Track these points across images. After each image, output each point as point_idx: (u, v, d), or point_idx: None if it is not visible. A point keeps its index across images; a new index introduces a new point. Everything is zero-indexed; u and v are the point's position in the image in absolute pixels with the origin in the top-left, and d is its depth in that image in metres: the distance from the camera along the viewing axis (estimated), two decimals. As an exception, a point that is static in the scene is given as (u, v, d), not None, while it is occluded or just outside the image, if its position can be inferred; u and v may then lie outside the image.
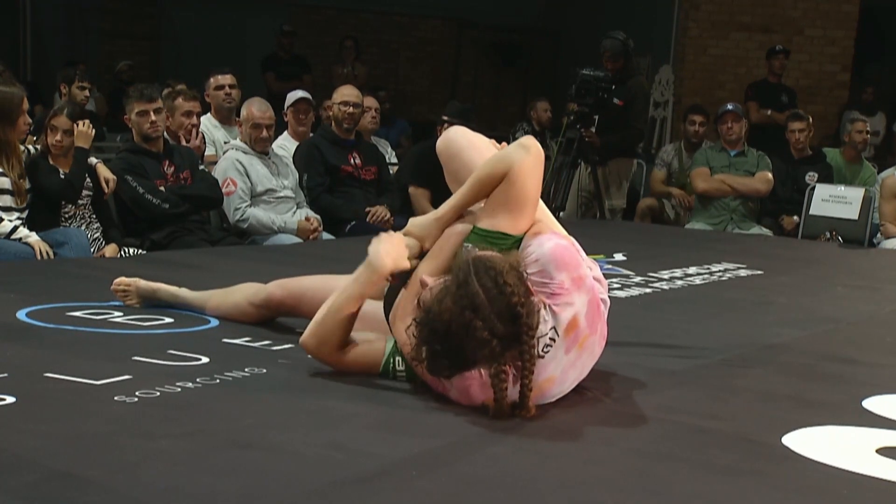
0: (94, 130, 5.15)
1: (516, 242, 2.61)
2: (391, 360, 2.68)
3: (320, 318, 2.69)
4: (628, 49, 7.43)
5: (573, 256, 2.55)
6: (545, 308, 2.45)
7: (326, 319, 2.68)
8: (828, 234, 7.23)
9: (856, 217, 7.30)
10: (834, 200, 7.40)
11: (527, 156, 2.61)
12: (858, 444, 2.39)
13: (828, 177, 7.73)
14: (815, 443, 2.36)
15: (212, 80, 6.52)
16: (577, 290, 2.50)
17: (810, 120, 7.94)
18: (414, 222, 2.79)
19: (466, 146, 2.86)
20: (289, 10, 12.53)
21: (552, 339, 2.45)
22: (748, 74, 9.99)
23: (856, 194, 7.39)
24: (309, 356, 2.76)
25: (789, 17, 10.46)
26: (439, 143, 2.94)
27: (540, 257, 2.50)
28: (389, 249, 2.68)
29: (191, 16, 12.33)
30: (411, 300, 2.54)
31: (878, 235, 7.29)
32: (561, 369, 2.50)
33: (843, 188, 7.53)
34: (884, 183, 7.33)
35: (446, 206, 2.75)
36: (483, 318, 2.29)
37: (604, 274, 2.85)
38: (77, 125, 4.98)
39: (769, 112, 8.76)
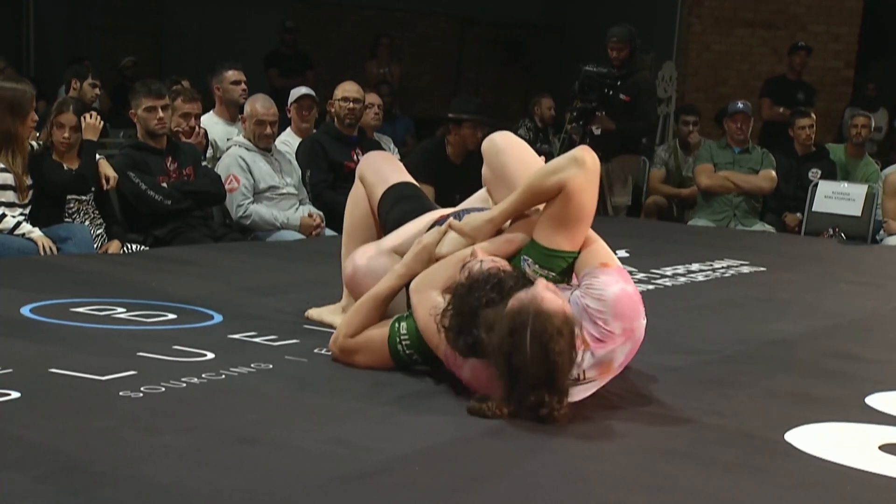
0: (101, 122, 5.16)
1: (574, 257, 2.64)
2: (396, 326, 2.69)
3: (356, 305, 2.80)
4: (635, 41, 7.41)
5: (634, 307, 2.52)
6: (585, 352, 2.43)
7: (363, 304, 2.77)
8: (831, 231, 7.22)
9: (859, 214, 7.29)
10: (837, 197, 7.40)
11: (581, 171, 2.59)
12: (861, 440, 2.40)
13: (831, 173, 7.73)
14: (818, 439, 2.36)
15: (228, 73, 6.50)
16: (624, 341, 2.49)
17: (813, 116, 7.93)
18: (468, 221, 2.80)
19: (513, 153, 2.92)
20: (291, 6, 12.52)
21: (576, 378, 2.43)
22: (751, 71, 9.98)
23: (859, 191, 7.39)
24: (323, 351, 2.77)
25: (793, 13, 10.45)
26: (487, 144, 2.99)
27: (604, 298, 2.47)
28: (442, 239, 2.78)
29: (194, 12, 12.32)
30: (443, 273, 2.56)
31: (881, 232, 7.29)
32: (573, 395, 2.50)
33: (846, 185, 7.53)
34: (887, 180, 7.32)
35: (498, 210, 2.77)
36: (522, 366, 2.29)
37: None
38: (84, 118, 4.99)
39: (781, 110, 8.74)
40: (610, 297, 2.46)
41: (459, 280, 2.46)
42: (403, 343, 2.70)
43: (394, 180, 3.22)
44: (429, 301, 2.58)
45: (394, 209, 3.13)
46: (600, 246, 2.67)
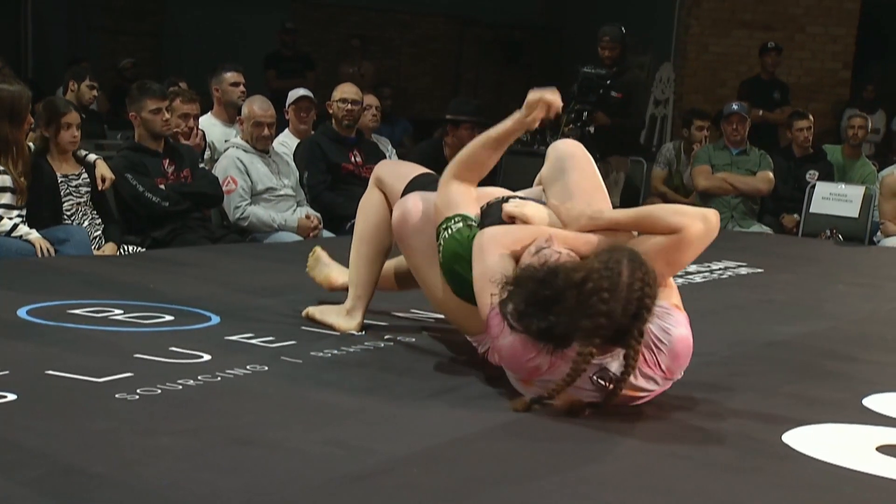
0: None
1: None
2: (455, 220, 2.77)
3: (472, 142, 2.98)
4: (626, 40, 7.45)
5: (687, 356, 2.57)
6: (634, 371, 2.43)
7: (476, 140, 2.95)
8: (828, 232, 7.23)
9: (856, 215, 7.30)
10: (834, 198, 7.40)
11: (705, 226, 2.60)
12: (859, 442, 2.40)
13: (829, 174, 7.74)
14: (816, 441, 2.36)
15: (227, 75, 6.50)
16: (664, 383, 2.54)
17: (811, 118, 7.95)
18: (568, 208, 2.80)
19: (574, 161, 2.94)
20: (291, 8, 12.52)
21: (605, 382, 2.44)
22: (750, 72, 9.97)
23: (856, 192, 7.39)
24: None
25: (791, 14, 10.45)
26: (551, 148, 3.04)
27: (671, 334, 2.50)
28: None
29: (194, 13, 12.32)
30: (516, 236, 2.62)
31: (878, 233, 7.29)
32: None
33: (843, 186, 7.54)
34: (884, 181, 7.33)
35: (606, 216, 2.75)
36: (613, 298, 2.30)
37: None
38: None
39: (760, 112, 8.77)
40: (675, 335, 2.51)
41: (532, 263, 2.46)
42: (447, 232, 2.74)
43: (414, 174, 3.23)
44: (493, 260, 2.58)
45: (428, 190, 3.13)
46: (676, 291, 2.71)
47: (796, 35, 10.18)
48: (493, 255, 2.60)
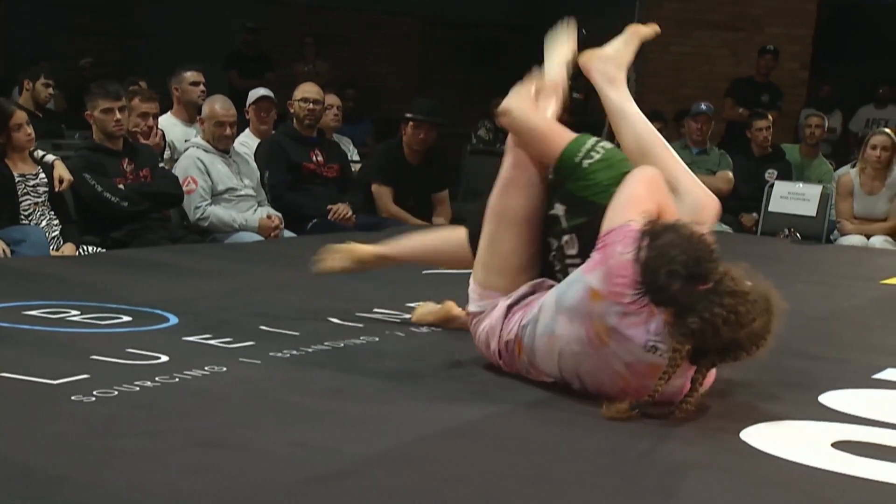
0: None
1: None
2: (591, 141, 2.84)
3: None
4: (586, 42, 7.48)
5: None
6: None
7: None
8: (786, 231, 7.30)
9: (814, 214, 7.38)
10: (792, 197, 7.48)
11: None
12: (815, 438, 2.42)
13: (787, 174, 7.82)
14: (773, 438, 2.38)
15: (187, 74, 6.46)
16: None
17: (771, 118, 8.03)
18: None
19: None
20: (254, 7, 12.44)
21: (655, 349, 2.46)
22: (711, 73, 10.06)
23: (814, 191, 7.47)
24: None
25: (752, 14, 10.54)
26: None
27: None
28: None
29: (159, 12, 12.22)
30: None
31: (835, 232, 7.38)
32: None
33: (801, 185, 7.62)
34: (839, 181, 7.44)
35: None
36: (746, 326, 2.40)
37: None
38: None
39: (741, 111, 8.85)
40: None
41: (706, 236, 2.48)
42: (588, 157, 2.79)
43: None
44: (646, 194, 2.63)
45: None
46: None
47: (756, 36, 10.26)
48: (651, 191, 2.66)
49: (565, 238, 2.79)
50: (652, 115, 8.64)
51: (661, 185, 2.72)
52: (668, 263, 2.36)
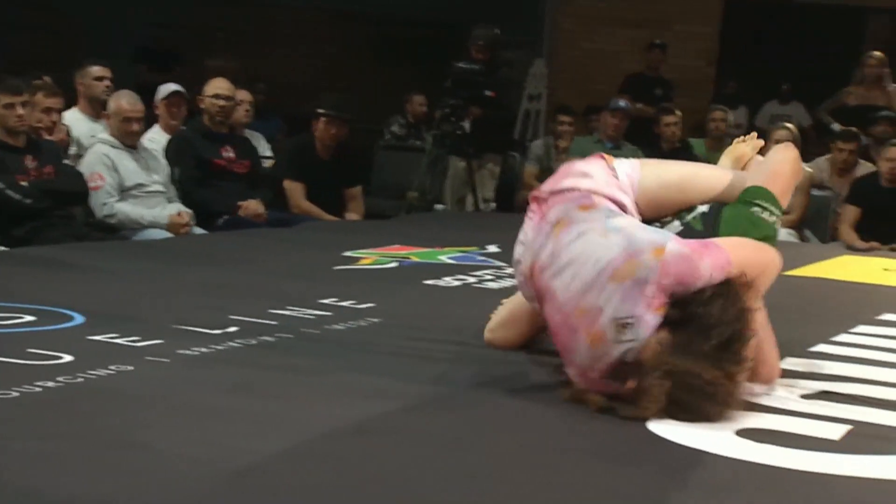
0: None
1: None
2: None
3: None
4: (499, 41, 7.60)
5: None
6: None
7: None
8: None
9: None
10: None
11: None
12: (719, 427, 2.47)
13: (694, 166, 7.98)
14: (679, 427, 2.42)
15: (92, 69, 6.33)
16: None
17: (678, 113, 8.22)
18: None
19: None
20: (163, 1, 12.24)
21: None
22: (620, 69, 10.20)
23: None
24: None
25: (660, 11, 10.74)
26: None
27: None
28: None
29: (74, 6, 11.95)
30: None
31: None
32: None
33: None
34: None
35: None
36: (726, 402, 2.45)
37: (476, 265, 2.88)
38: None
39: (639, 106, 9.02)
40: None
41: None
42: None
43: None
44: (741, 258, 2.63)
45: None
46: None
47: (663, 33, 10.45)
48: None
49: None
50: (562, 110, 8.86)
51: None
52: (706, 330, 2.41)
